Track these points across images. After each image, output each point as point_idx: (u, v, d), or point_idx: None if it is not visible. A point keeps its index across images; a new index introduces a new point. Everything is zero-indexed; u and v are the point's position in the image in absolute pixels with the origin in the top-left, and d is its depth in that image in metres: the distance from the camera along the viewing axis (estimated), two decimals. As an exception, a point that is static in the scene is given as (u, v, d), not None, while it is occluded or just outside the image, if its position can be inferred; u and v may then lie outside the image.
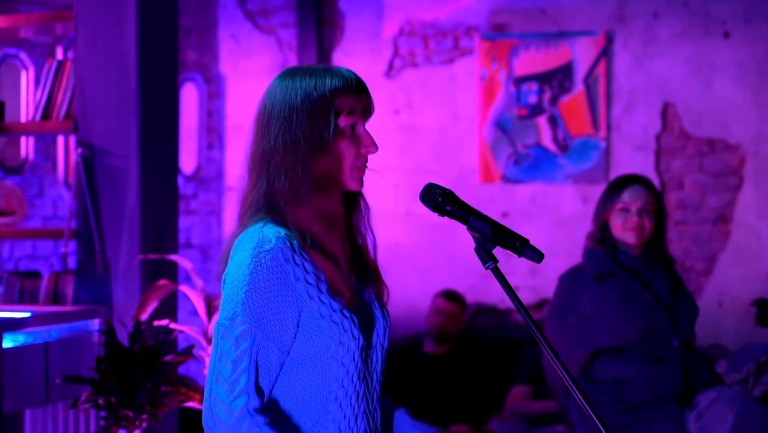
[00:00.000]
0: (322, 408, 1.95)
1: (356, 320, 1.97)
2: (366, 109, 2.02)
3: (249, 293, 1.89)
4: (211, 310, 3.70)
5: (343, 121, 1.98)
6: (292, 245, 1.93)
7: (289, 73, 2.02)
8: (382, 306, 2.10)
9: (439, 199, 2.00)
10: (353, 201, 2.07)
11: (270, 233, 1.93)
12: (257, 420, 1.87)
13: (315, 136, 1.96)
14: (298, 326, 1.93)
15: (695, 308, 3.78)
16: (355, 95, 2.00)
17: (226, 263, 1.99)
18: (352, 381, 1.97)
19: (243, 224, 2.00)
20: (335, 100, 1.97)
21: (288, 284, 1.91)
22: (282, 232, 1.94)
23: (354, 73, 2.02)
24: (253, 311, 1.89)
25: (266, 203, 1.98)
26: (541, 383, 5.08)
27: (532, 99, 6.09)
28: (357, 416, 1.99)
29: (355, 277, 2.05)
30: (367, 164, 2.04)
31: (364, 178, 2.03)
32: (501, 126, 6.13)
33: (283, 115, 1.98)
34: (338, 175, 1.99)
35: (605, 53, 6.00)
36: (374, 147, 2.01)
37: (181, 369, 3.90)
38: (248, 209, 2.01)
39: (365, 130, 2.02)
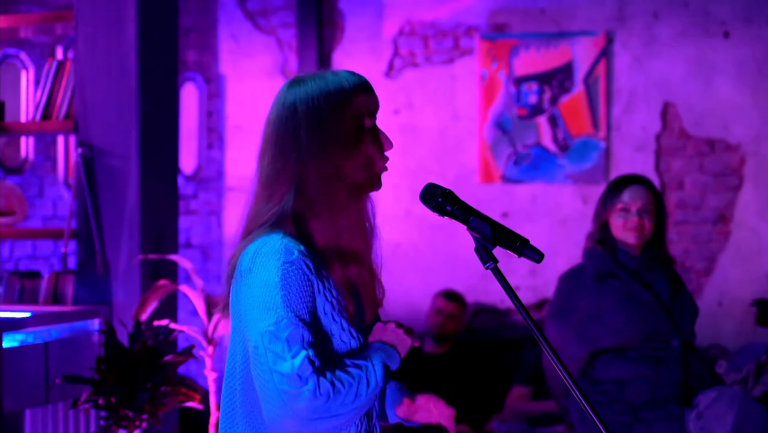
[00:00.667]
0: None
1: (362, 341, 1.97)
2: (378, 110, 2.01)
3: (286, 297, 1.87)
4: (211, 310, 3.70)
5: (368, 122, 1.98)
6: (307, 264, 1.91)
7: (299, 81, 1.99)
8: (378, 320, 2.09)
9: (439, 199, 1.99)
10: None
11: (292, 245, 1.90)
12: (336, 382, 1.85)
13: (348, 141, 1.94)
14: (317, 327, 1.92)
15: (695, 308, 3.78)
16: (372, 94, 1.99)
17: (234, 268, 1.96)
18: None
19: (256, 232, 1.95)
20: (358, 101, 1.96)
21: (312, 293, 1.90)
22: (301, 247, 1.91)
23: (359, 74, 2.02)
24: (295, 312, 1.86)
25: (290, 217, 1.94)
26: (541, 383, 5.08)
27: (532, 99, 6.09)
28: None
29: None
30: None
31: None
32: (501, 126, 6.13)
33: (313, 126, 1.94)
34: (372, 177, 1.98)
35: (605, 53, 6.00)
36: (391, 144, 2.01)
37: (181, 369, 3.90)
38: (265, 222, 1.95)
39: (380, 128, 2.01)
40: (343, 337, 1.93)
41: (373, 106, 1.99)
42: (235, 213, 6.56)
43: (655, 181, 5.83)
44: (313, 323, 1.89)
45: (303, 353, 1.83)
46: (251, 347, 1.88)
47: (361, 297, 1.99)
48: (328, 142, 1.93)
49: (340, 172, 1.93)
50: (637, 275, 3.68)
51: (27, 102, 5.43)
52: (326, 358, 1.89)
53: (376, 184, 1.99)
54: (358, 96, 1.97)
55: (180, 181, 6.38)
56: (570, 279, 3.78)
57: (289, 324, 1.85)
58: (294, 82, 2.00)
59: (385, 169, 2.00)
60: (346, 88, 1.96)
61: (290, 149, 1.95)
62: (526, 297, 5.98)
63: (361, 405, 1.87)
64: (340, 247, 1.94)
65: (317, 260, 1.92)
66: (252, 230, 1.98)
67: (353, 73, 2.00)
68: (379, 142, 1.99)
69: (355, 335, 1.95)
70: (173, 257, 3.88)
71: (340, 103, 1.95)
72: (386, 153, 2.01)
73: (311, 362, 1.83)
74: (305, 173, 1.93)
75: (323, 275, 1.92)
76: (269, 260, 1.89)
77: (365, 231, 1.99)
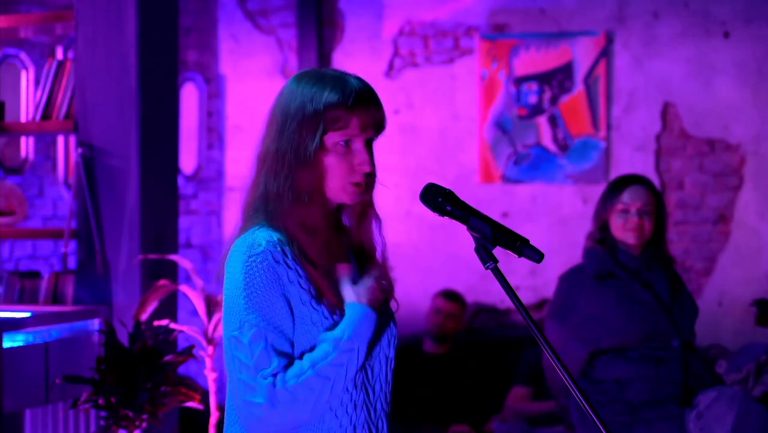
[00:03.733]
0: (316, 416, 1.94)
1: None
2: (366, 126, 1.97)
3: (248, 298, 1.90)
4: (211, 310, 3.70)
5: (332, 138, 1.95)
6: (283, 249, 1.93)
7: (299, 78, 2.01)
8: (388, 316, 2.09)
9: (439, 199, 1.99)
10: (362, 210, 2.05)
11: (261, 236, 1.93)
12: (295, 389, 1.86)
13: (301, 149, 1.96)
14: (293, 320, 1.92)
15: (695, 308, 3.77)
16: (348, 111, 1.95)
17: (224, 265, 1.99)
18: (347, 390, 1.96)
19: (243, 225, 2.01)
20: (327, 114, 1.95)
21: (282, 285, 1.91)
22: (275, 236, 1.94)
23: (361, 86, 1.98)
24: (257, 313, 1.89)
25: (263, 205, 1.99)
26: (541, 383, 5.08)
27: (532, 99, 6.09)
28: (355, 426, 1.97)
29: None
30: (374, 180, 2.02)
31: (360, 193, 1.99)
32: (501, 126, 6.13)
33: (278, 122, 1.99)
34: (321, 190, 1.97)
35: (605, 53, 6.00)
36: (367, 166, 1.98)
37: (181, 369, 3.90)
38: (248, 209, 2.01)
39: (363, 147, 1.98)
40: (326, 325, 1.93)
41: (346, 122, 1.95)
42: (235, 213, 6.55)
43: (655, 181, 5.83)
44: (282, 318, 1.91)
45: (263, 361, 1.87)
46: (225, 350, 1.95)
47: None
48: (283, 142, 1.97)
49: (288, 174, 1.96)
50: (637, 274, 3.68)
51: (27, 102, 5.42)
52: (294, 353, 1.92)
53: (337, 197, 1.98)
54: (331, 108, 1.94)
55: (180, 181, 6.38)
56: (570, 279, 3.78)
57: (251, 327, 1.89)
58: (296, 77, 2.03)
59: (357, 185, 1.98)
60: (323, 97, 1.95)
61: (263, 139, 2.02)
62: (526, 297, 5.98)
63: (324, 399, 1.89)
64: (298, 240, 1.96)
65: (292, 247, 1.95)
66: (242, 216, 2.03)
67: (354, 83, 1.97)
68: (348, 157, 1.97)
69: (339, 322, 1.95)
70: (173, 257, 3.88)
71: (307, 111, 1.95)
72: (365, 172, 1.98)
73: (272, 375, 1.87)
74: (266, 165, 1.99)
75: (298, 263, 1.94)
76: (237, 257, 1.93)
77: (311, 235, 1.97)
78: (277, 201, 1.97)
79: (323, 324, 1.93)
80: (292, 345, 1.92)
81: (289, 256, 1.93)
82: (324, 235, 1.99)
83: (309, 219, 1.97)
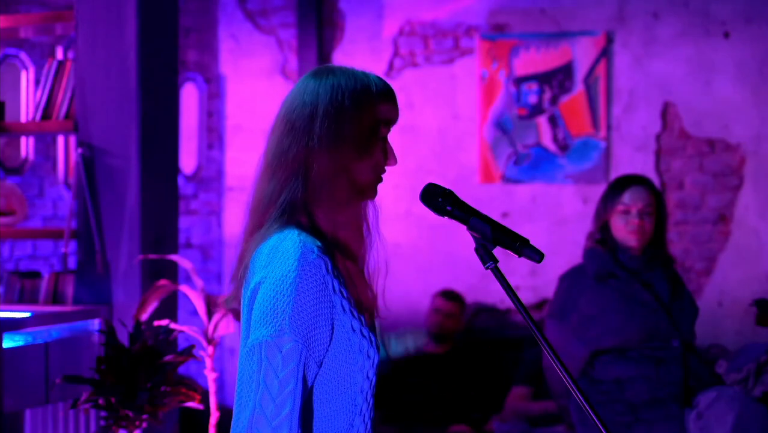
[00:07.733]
0: (347, 423, 1.91)
1: (374, 333, 1.95)
2: (397, 119, 2.00)
3: (295, 308, 1.82)
4: (211, 310, 3.70)
5: (383, 130, 1.96)
6: (329, 257, 1.88)
7: (327, 72, 1.97)
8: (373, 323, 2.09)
9: (438, 199, 1.99)
10: None
11: (310, 242, 1.87)
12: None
13: (362, 142, 1.93)
14: (331, 338, 1.88)
15: (695, 308, 3.78)
16: (395, 105, 1.98)
17: (247, 267, 1.93)
18: (372, 395, 1.95)
19: (267, 225, 1.93)
20: (380, 107, 1.95)
21: (327, 296, 1.85)
22: (317, 243, 1.88)
23: (387, 82, 2.00)
24: (300, 327, 1.82)
25: (301, 207, 1.92)
26: (541, 383, 5.08)
27: (532, 99, 6.09)
28: (370, 431, 1.97)
29: None
30: None
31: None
32: (501, 126, 6.13)
33: (330, 117, 1.91)
34: (376, 183, 1.96)
35: (605, 53, 6.00)
36: (395, 160, 1.99)
37: (181, 369, 3.90)
38: (274, 211, 1.93)
39: (389, 142, 2.00)
40: (364, 332, 1.91)
41: (392, 116, 1.97)
42: (235, 213, 6.56)
43: (655, 181, 5.83)
44: (320, 340, 1.86)
45: (291, 384, 1.81)
46: (246, 348, 1.86)
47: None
48: (342, 138, 1.91)
49: (347, 169, 1.92)
50: (637, 274, 3.68)
51: (27, 102, 5.43)
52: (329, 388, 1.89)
53: (375, 192, 1.98)
54: (382, 102, 1.95)
55: (180, 181, 6.37)
56: (570, 279, 3.78)
57: (290, 339, 1.81)
58: (321, 71, 1.98)
59: (381, 180, 1.99)
60: (372, 90, 1.94)
61: (302, 133, 1.92)
62: (526, 297, 5.98)
63: None
64: (338, 241, 1.93)
65: (332, 254, 1.90)
66: (260, 220, 1.95)
67: (382, 79, 1.99)
68: (386, 153, 1.98)
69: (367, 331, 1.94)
70: (173, 257, 3.88)
71: (363, 104, 1.93)
72: (396, 160, 1.99)
73: (293, 409, 1.80)
74: (312, 161, 1.91)
75: (338, 272, 1.89)
76: (286, 259, 1.85)
77: (361, 234, 1.97)
78: (332, 202, 1.91)
79: (361, 331, 1.90)
80: (318, 365, 1.87)
81: (330, 267, 1.87)
82: (362, 231, 1.99)
83: (361, 216, 1.97)
